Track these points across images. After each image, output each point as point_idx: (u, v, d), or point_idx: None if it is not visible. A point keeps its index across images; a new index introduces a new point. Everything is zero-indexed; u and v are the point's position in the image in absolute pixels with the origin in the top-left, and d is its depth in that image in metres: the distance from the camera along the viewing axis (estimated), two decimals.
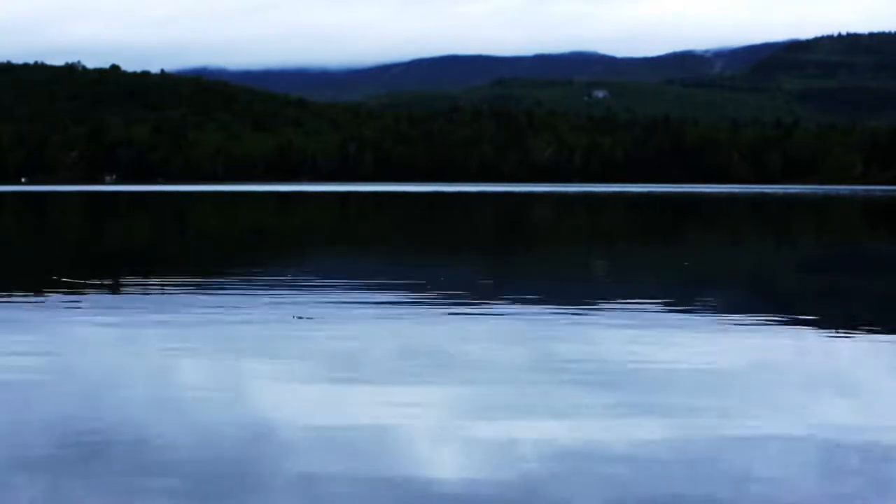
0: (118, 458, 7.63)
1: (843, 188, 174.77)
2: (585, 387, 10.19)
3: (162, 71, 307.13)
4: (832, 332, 13.76)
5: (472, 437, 8.27)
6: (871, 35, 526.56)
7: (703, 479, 7.19)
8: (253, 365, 11.32)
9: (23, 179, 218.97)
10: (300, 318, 14.74)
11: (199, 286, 19.06)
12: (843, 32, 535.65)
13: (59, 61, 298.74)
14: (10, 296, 17.67)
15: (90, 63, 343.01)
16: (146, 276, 20.77)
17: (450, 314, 15.29)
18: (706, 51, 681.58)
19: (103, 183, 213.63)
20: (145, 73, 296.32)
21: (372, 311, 15.60)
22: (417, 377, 10.70)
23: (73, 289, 18.30)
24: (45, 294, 17.61)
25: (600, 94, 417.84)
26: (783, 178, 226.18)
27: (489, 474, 7.29)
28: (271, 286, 18.87)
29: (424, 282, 19.67)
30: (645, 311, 15.73)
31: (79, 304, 16.31)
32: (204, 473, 7.28)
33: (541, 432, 8.39)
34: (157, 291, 18.15)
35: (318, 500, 6.79)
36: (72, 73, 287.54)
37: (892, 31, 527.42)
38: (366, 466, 7.43)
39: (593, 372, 10.93)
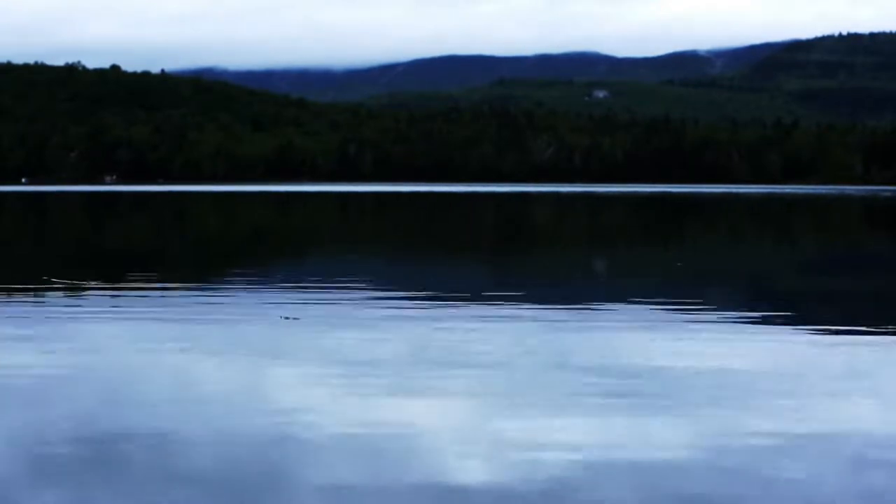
0: (139, 462, 7.59)
1: (843, 188, 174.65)
2: (605, 387, 10.15)
3: (162, 71, 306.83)
4: (840, 333, 13.75)
5: (495, 440, 8.21)
6: (871, 35, 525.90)
7: (731, 480, 7.18)
8: (263, 366, 11.31)
9: (23, 180, 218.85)
10: (286, 318, 14.75)
11: (199, 287, 19.08)
12: (843, 32, 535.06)
13: (59, 61, 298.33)
14: (11, 298, 17.68)
15: (90, 63, 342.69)
16: (147, 277, 20.77)
17: (454, 315, 15.28)
18: (706, 51, 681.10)
19: (103, 183, 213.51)
20: (145, 73, 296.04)
21: (376, 311, 15.59)
22: (433, 379, 10.63)
23: (74, 290, 18.30)
24: (46, 296, 17.61)
25: (600, 94, 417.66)
26: (783, 178, 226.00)
27: (515, 477, 7.23)
28: (272, 287, 18.88)
29: (426, 283, 19.68)
30: (650, 312, 15.73)
31: (80, 306, 16.32)
32: (226, 478, 7.24)
33: (565, 434, 8.36)
34: (157, 292, 18.16)
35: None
36: (72, 73, 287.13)
37: (892, 31, 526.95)
38: (390, 470, 7.39)
39: (612, 374, 10.89)
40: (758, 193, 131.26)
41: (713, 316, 15.31)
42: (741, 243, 38.05)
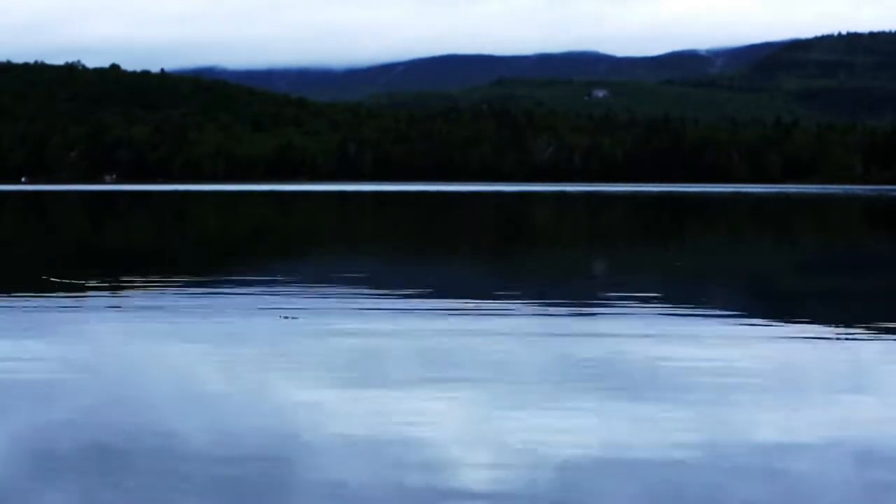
0: (140, 461, 7.58)
1: (848, 188, 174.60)
2: (608, 388, 10.14)
3: (162, 71, 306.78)
4: (840, 333, 13.75)
5: (497, 440, 8.20)
6: (871, 35, 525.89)
7: (732, 479, 7.18)
8: (263, 365, 11.30)
9: (23, 179, 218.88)
10: (286, 317, 14.76)
11: (199, 287, 19.06)
12: (843, 32, 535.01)
13: (59, 61, 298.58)
14: (11, 297, 17.67)
15: (90, 63, 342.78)
16: (146, 276, 20.77)
17: (454, 315, 15.27)
18: (706, 50, 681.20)
19: (103, 183, 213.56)
20: (145, 73, 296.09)
21: (376, 311, 15.59)
22: (433, 378, 10.62)
23: (74, 290, 18.29)
24: (45, 295, 17.60)
25: (600, 93, 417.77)
26: (783, 178, 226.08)
27: (517, 477, 7.22)
28: (272, 286, 18.87)
29: (426, 283, 19.67)
30: (650, 311, 15.72)
31: (80, 306, 16.31)
32: (226, 477, 7.23)
33: (566, 433, 8.35)
34: (157, 292, 18.15)
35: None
36: (72, 73, 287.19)
37: (892, 30, 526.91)
38: (391, 469, 7.38)
39: (614, 373, 10.89)
40: (758, 193, 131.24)
41: (713, 316, 15.31)
42: (741, 243, 38.04)
